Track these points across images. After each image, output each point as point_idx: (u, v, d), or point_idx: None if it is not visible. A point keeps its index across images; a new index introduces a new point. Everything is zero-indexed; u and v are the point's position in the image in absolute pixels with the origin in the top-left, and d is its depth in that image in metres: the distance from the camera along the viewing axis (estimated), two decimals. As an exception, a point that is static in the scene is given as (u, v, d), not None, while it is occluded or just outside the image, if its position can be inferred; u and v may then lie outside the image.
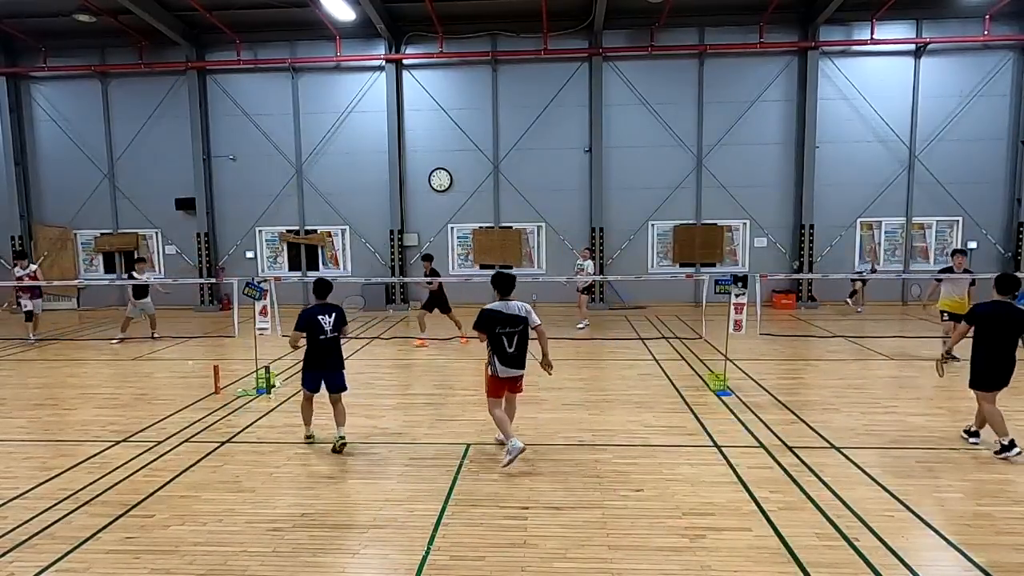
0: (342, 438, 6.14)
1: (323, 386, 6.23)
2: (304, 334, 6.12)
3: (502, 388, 5.87)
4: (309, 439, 6.40)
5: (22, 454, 6.29)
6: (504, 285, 5.87)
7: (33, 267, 12.85)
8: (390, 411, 7.69)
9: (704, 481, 5.35)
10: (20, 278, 12.61)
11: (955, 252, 10.42)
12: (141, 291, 12.75)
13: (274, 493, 5.25)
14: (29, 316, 12.58)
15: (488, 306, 5.80)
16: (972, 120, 16.28)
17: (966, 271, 10.30)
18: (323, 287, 6.29)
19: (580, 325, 13.72)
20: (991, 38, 15.86)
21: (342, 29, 16.48)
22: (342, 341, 6.39)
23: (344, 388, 6.29)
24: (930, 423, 6.87)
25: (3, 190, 18.04)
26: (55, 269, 18.43)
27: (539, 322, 5.88)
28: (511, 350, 5.66)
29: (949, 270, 10.21)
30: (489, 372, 5.81)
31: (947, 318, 9.85)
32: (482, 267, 17.69)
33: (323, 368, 6.17)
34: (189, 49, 17.07)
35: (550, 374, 6.19)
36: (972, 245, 16.56)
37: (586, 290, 14.28)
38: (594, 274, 13.94)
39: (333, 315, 6.15)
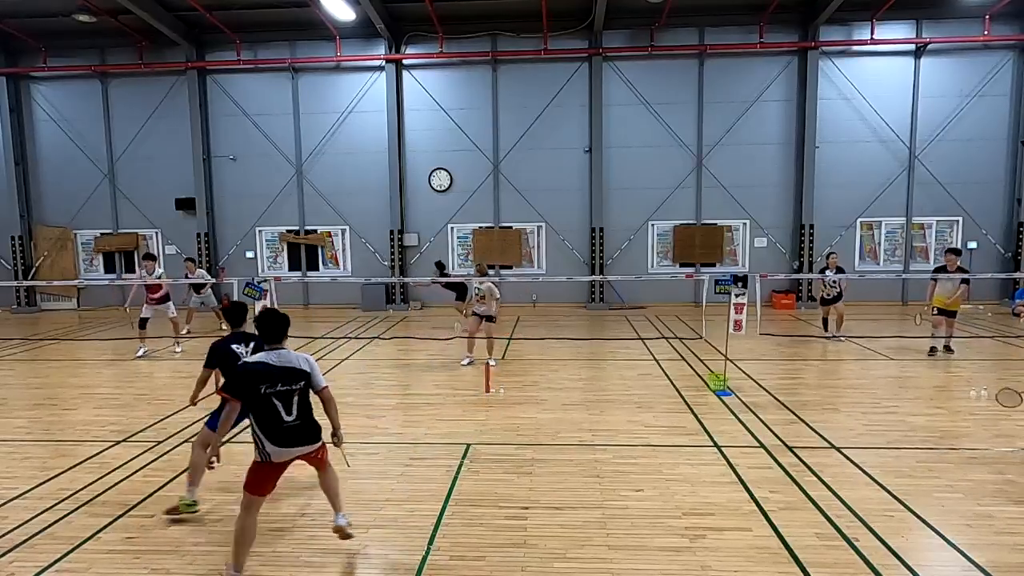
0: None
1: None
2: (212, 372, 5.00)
3: (273, 474, 4.05)
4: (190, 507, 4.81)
5: (22, 454, 6.29)
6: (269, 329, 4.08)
7: (160, 271, 11.56)
8: (390, 411, 7.68)
9: (704, 481, 5.35)
10: (148, 285, 11.26)
11: (948, 251, 10.62)
12: (199, 286, 13.24)
13: (274, 493, 5.20)
14: (143, 323, 11.25)
15: (251, 359, 4.11)
16: (972, 120, 16.29)
17: (959, 269, 10.50)
18: (238, 311, 5.14)
19: (465, 362, 10.23)
20: (991, 38, 15.86)
21: (342, 29, 16.49)
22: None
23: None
24: (930, 423, 6.86)
25: (3, 190, 18.05)
26: (55, 269, 18.46)
27: (324, 384, 4.11)
28: (288, 418, 3.90)
29: (943, 268, 10.54)
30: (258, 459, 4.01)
31: (937, 313, 10.34)
32: (482, 267, 17.69)
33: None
34: (189, 49, 17.08)
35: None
36: (972, 245, 16.58)
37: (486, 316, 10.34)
38: (498, 298, 10.38)
39: (252, 345, 4.89)
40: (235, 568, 3.91)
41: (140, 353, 11.15)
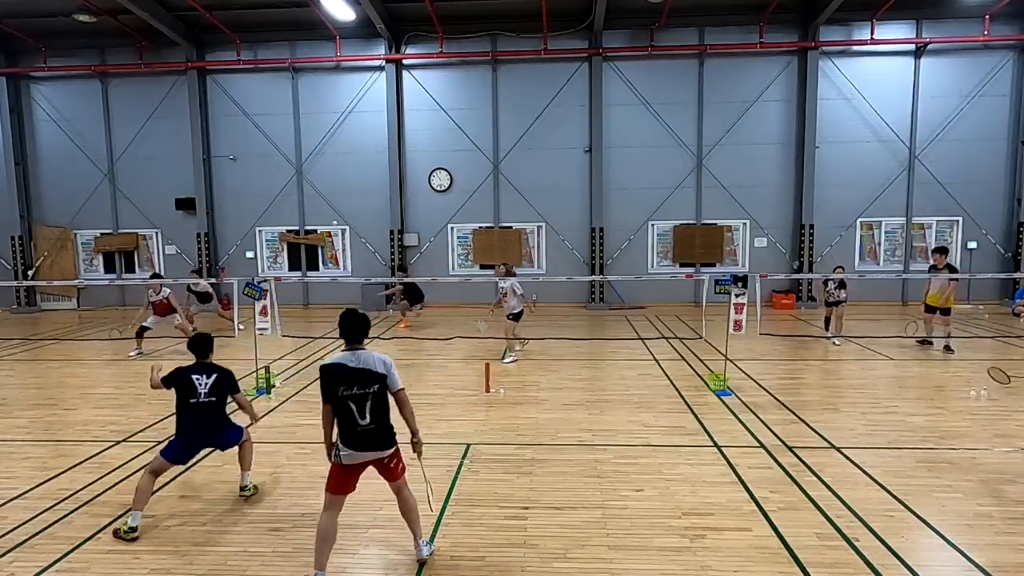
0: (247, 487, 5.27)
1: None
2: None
3: (348, 477, 4.01)
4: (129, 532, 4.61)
5: (22, 454, 6.29)
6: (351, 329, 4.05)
7: (167, 291, 11.68)
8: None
9: (704, 481, 5.35)
10: (153, 303, 11.48)
11: (934, 251, 11.22)
12: (205, 297, 13.57)
13: (274, 493, 5.25)
14: (142, 331, 11.49)
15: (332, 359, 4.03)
16: (972, 120, 16.29)
17: (947, 267, 10.92)
18: (203, 344, 5.17)
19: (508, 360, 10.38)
20: (991, 38, 15.86)
21: (342, 29, 16.49)
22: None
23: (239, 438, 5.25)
24: (930, 423, 6.86)
25: (3, 190, 18.05)
26: (55, 269, 18.46)
27: (400, 386, 4.11)
28: (363, 422, 3.92)
29: (935, 267, 11.07)
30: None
31: (926, 310, 11.09)
32: (482, 267, 17.70)
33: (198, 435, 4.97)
34: (189, 49, 17.08)
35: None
36: (972, 245, 16.59)
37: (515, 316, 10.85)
38: (521, 294, 10.73)
39: (214, 377, 4.99)
40: (315, 565, 3.89)
41: (133, 353, 11.33)
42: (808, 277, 16.43)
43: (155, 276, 12.16)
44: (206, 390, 4.91)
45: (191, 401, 4.88)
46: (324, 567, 3.90)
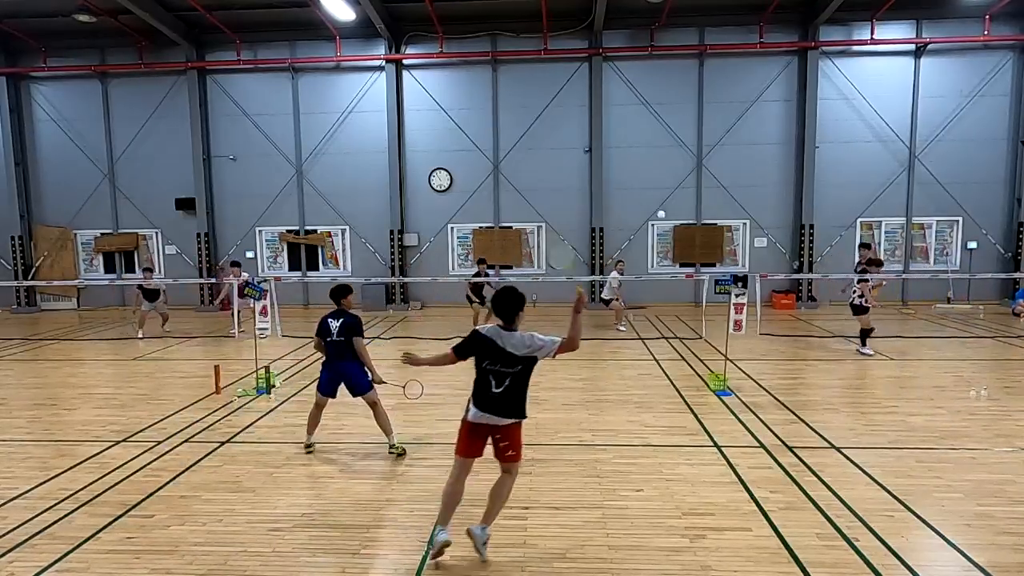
0: (395, 445, 6.18)
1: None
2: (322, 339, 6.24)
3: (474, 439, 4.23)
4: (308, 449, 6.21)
5: (22, 454, 6.29)
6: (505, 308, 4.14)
7: (246, 275, 13.55)
8: (390, 411, 7.60)
9: (704, 481, 5.34)
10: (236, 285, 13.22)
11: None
12: (152, 295, 13.67)
13: (274, 493, 5.25)
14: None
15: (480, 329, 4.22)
16: (972, 120, 16.29)
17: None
18: (337, 292, 6.43)
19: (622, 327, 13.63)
20: (991, 38, 15.87)
21: (342, 29, 16.49)
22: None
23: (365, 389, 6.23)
24: (930, 423, 6.86)
25: (3, 190, 18.05)
26: (55, 269, 18.46)
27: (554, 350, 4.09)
28: (497, 390, 4.06)
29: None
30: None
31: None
32: (482, 267, 17.71)
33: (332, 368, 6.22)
34: (189, 49, 17.08)
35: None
36: (972, 245, 16.59)
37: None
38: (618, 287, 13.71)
39: (340, 320, 6.19)
40: (439, 521, 4.11)
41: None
42: (808, 277, 16.44)
43: (235, 263, 13.78)
44: (337, 331, 6.11)
45: (328, 339, 6.12)
46: (447, 523, 4.10)
